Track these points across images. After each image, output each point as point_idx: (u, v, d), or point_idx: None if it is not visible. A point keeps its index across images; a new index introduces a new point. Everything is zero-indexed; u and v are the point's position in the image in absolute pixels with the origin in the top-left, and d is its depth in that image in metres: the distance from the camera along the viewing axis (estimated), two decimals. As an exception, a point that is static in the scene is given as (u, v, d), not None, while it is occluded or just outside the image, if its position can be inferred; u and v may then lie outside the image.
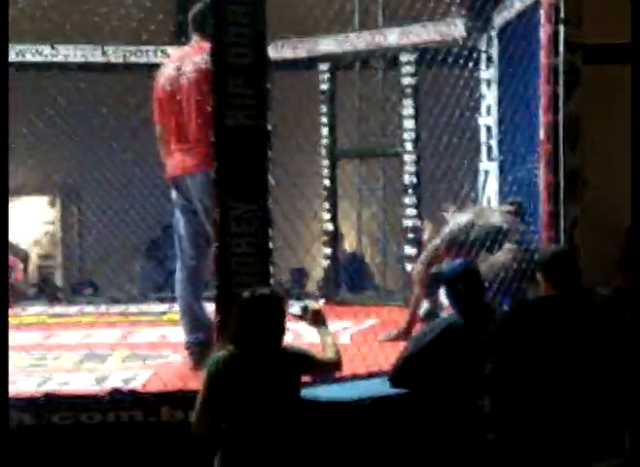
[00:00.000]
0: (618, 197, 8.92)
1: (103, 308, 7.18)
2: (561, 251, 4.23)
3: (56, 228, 9.37)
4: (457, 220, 5.68)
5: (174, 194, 4.87)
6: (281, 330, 3.47)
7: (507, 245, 5.36)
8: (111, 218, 7.85)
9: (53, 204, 9.32)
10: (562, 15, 4.98)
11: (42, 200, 9.28)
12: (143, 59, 7.36)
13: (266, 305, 3.46)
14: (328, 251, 7.43)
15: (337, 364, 3.72)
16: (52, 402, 3.95)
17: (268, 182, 4.01)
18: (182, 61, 4.76)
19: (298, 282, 8.19)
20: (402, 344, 4.98)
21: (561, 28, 4.99)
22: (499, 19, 6.29)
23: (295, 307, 3.89)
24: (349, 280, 7.74)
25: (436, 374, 3.84)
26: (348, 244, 7.95)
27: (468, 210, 5.91)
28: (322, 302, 7.32)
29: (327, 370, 3.73)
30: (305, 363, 3.54)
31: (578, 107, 5.15)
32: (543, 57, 5.11)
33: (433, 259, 5.61)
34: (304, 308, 3.84)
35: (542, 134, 5.21)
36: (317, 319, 3.82)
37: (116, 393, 4.03)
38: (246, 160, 3.93)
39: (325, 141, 7.35)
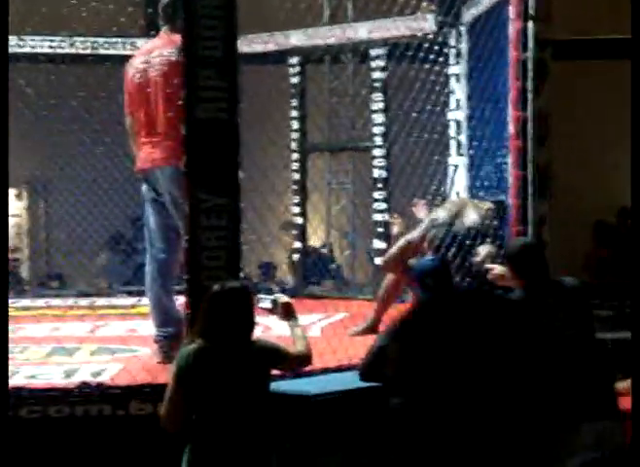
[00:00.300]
0: (588, 193, 9.04)
1: (71, 301, 7.14)
2: (529, 244, 4.27)
3: (23, 220, 9.29)
4: (436, 215, 5.60)
5: (144, 187, 4.85)
6: (250, 323, 3.47)
7: (483, 246, 5.31)
8: (79, 210, 7.78)
9: (19, 197, 9.24)
10: (531, 11, 5.01)
11: (9, 192, 9.19)
12: (112, 51, 7.32)
13: (235, 298, 3.46)
14: (297, 245, 7.44)
15: (307, 357, 3.72)
16: (19, 395, 3.92)
17: (239, 175, 4.01)
18: (151, 54, 4.74)
19: (266, 275, 8.19)
20: (372, 338, 5.02)
21: (530, 24, 5.02)
22: (469, 15, 6.31)
23: (265, 301, 3.89)
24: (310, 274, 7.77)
25: (406, 368, 3.85)
26: (317, 238, 7.95)
27: (447, 204, 5.83)
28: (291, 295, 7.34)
29: (297, 363, 3.73)
30: (275, 357, 3.54)
31: (547, 103, 5.19)
32: (512, 53, 5.14)
33: (405, 251, 5.57)
34: (274, 302, 3.84)
35: (511, 130, 5.24)
36: (287, 312, 3.82)
37: (84, 387, 4.02)
38: (217, 153, 3.92)
39: (295, 135, 7.35)
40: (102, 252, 8.28)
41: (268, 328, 4.79)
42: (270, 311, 3.86)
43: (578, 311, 3.98)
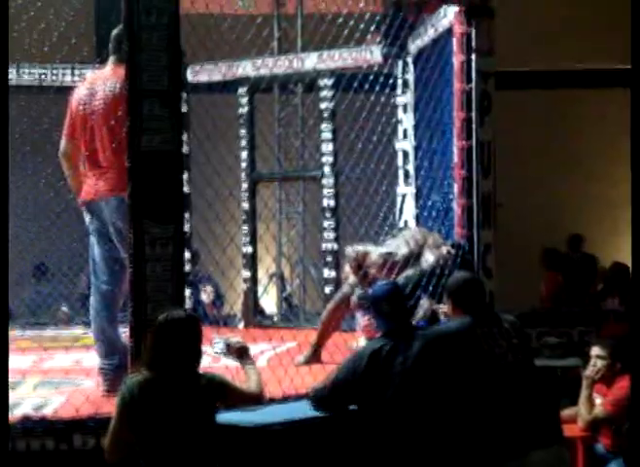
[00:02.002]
0: (533, 221, 9.16)
1: (17, 334, 7.03)
2: (469, 278, 4.30)
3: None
4: (396, 247, 5.45)
5: (88, 218, 4.82)
6: (197, 353, 3.46)
7: (422, 301, 5.07)
8: (23, 241, 7.69)
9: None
10: (474, 43, 5.09)
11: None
12: (60, 81, 7.27)
13: (181, 328, 3.45)
14: (247, 274, 7.41)
15: (257, 397, 3.71)
16: (-41, 430, 3.85)
17: (184, 206, 4.02)
18: (96, 84, 4.72)
19: (217, 306, 8.14)
20: (318, 366, 5.02)
21: (473, 56, 5.10)
22: (414, 46, 6.39)
23: (218, 344, 3.89)
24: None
25: (364, 398, 3.87)
26: (267, 267, 7.93)
27: (408, 238, 5.55)
28: (241, 325, 7.31)
29: (246, 401, 3.71)
30: (222, 391, 3.53)
31: (490, 133, 5.27)
32: (456, 84, 5.22)
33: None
34: (227, 344, 3.85)
35: (456, 160, 5.31)
36: (241, 355, 3.83)
37: (26, 421, 3.95)
38: (161, 183, 3.92)
39: (244, 164, 7.36)
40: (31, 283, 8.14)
41: (217, 358, 4.76)
42: (225, 354, 3.87)
43: (517, 342, 4.03)
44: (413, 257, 5.33)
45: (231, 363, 4.01)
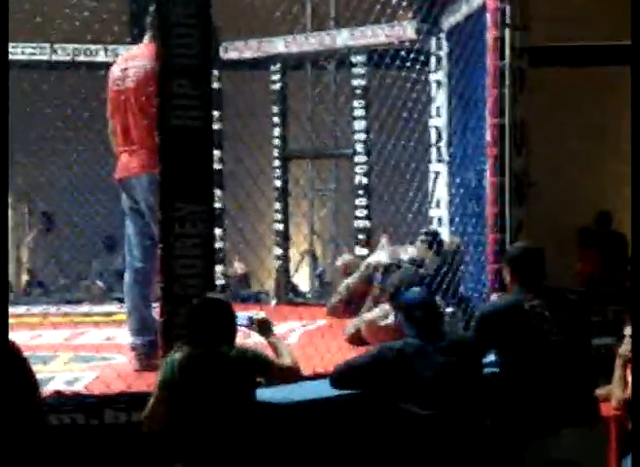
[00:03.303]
0: (567, 198, 9.07)
1: (53, 309, 7.11)
2: (531, 247, 4.26)
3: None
4: (371, 260, 6.07)
5: (123, 195, 4.84)
6: (231, 332, 3.52)
7: None
8: (61, 218, 7.77)
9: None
10: (508, 19, 5.02)
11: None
12: (94, 58, 7.30)
13: (213, 310, 3.52)
14: (279, 252, 7.42)
15: (295, 370, 3.73)
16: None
17: (217, 183, 4.02)
18: (128, 62, 4.74)
19: (243, 283, 8.16)
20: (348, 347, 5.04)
21: (507, 32, 5.03)
22: (447, 22, 6.33)
23: (242, 319, 3.90)
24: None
25: (385, 391, 3.88)
26: (298, 245, 7.94)
27: (377, 251, 6.30)
28: (274, 302, 7.33)
29: (285, 375, 3.72)
30: (262, 365, 3.57)
31: (524, 110, 5.20)
32: (490, 61, 5.15)
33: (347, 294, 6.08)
34: (250, 319, 3.86)
35: (489, 137, 5.25)
36: (264, 328, 3.85)
37: (58, 396, 3.99)
38: (191, 161, 3.92)
39: (276, 141, 7.35)
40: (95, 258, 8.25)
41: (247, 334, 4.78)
42: (247, 328, 3.89)
43: (572, 320, 3.99)
44: (392, 256, 5.91)
45: (259, 338, 4.02)
